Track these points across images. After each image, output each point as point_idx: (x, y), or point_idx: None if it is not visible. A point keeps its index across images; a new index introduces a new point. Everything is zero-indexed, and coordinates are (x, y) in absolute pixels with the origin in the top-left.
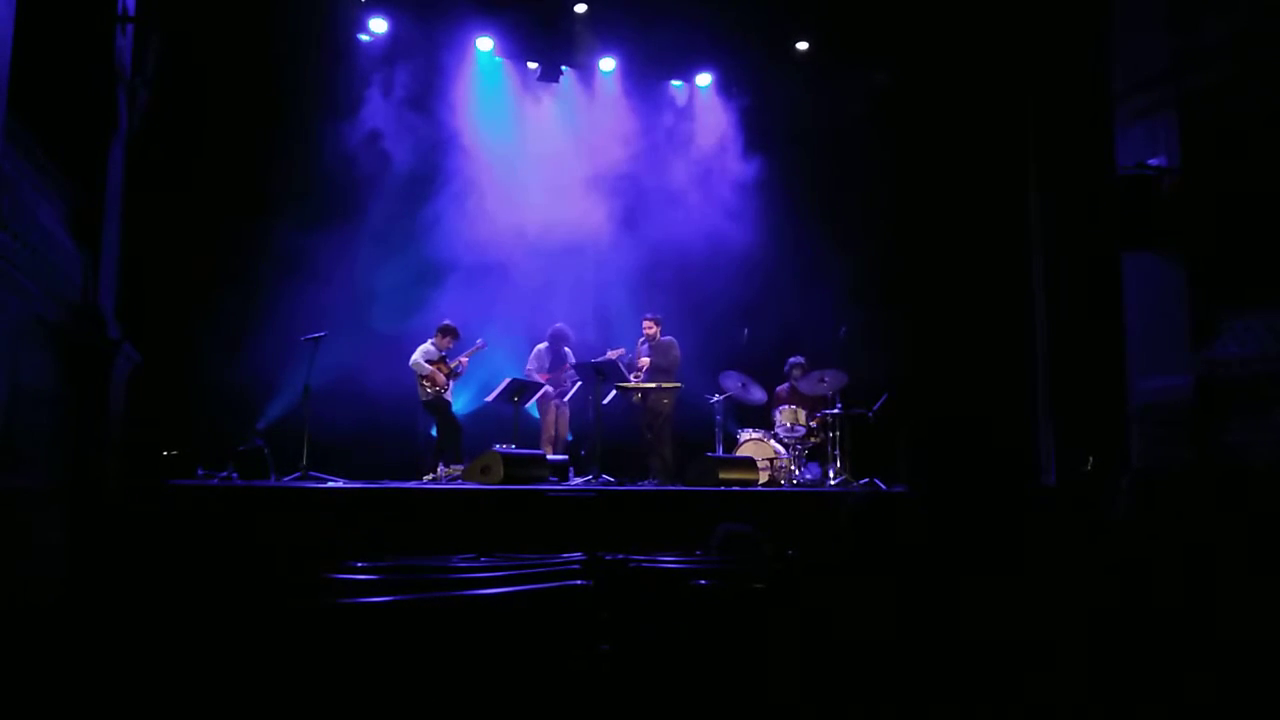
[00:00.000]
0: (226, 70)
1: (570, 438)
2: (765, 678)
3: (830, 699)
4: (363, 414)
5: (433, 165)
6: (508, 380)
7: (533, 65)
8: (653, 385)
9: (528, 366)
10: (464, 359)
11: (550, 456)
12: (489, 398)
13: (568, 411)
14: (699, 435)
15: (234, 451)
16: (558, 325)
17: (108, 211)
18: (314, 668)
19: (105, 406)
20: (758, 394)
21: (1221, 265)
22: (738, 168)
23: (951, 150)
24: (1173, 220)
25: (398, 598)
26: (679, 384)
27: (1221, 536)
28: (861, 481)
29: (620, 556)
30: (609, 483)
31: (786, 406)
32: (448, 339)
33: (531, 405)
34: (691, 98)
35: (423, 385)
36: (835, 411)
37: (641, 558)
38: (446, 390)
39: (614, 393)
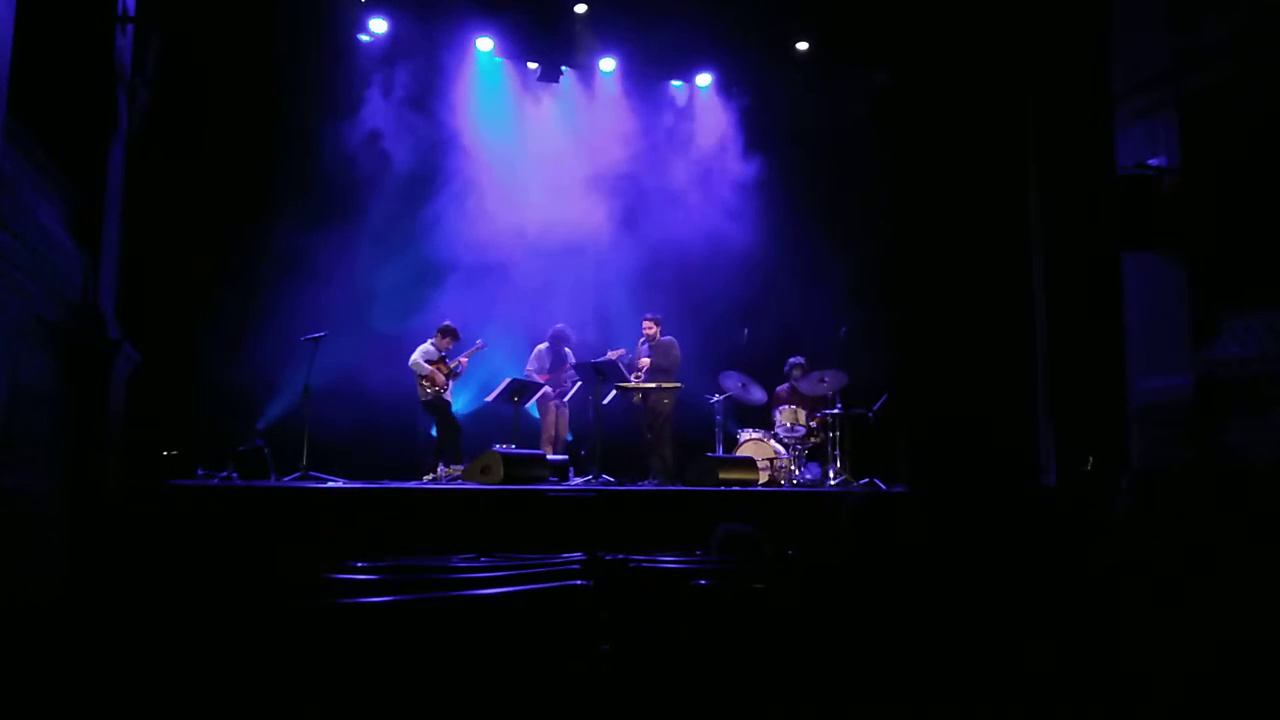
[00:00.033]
0: (226, 70)
1: (570, 438)
2: (765, 678)
3: (830, 699)
4: (363, 414)
5: (433, 165)
6: (508, 380)
7: (533, 65)
8: (653, 385)
9: (528, 367)
10: (463, 359)
11: (550, 456)
12: (489, 398)
13: (567, 411)
14: (699, 435)
15: (234, 451)
16: (559, 326)
17: (108, 211)
18: (314, 668)
19: (105, 406)
20: (758, 394)
21: (1221, 265)
22: (738, 168)
23: (951, 150)
24: (1173, 220)
25: (398, 598)
26: (679, 384)
27: (1222, 536)
28: (861, 481)
29: (620, 556)
30: (609, 483)
31: (786, 406)
32: (447, 339)
33: (531, 405)
34: (691, 98)
35: (422, 385)
36: (835, 411)
37: (641, 558)
38: (446, 390)
39: (614, 393)
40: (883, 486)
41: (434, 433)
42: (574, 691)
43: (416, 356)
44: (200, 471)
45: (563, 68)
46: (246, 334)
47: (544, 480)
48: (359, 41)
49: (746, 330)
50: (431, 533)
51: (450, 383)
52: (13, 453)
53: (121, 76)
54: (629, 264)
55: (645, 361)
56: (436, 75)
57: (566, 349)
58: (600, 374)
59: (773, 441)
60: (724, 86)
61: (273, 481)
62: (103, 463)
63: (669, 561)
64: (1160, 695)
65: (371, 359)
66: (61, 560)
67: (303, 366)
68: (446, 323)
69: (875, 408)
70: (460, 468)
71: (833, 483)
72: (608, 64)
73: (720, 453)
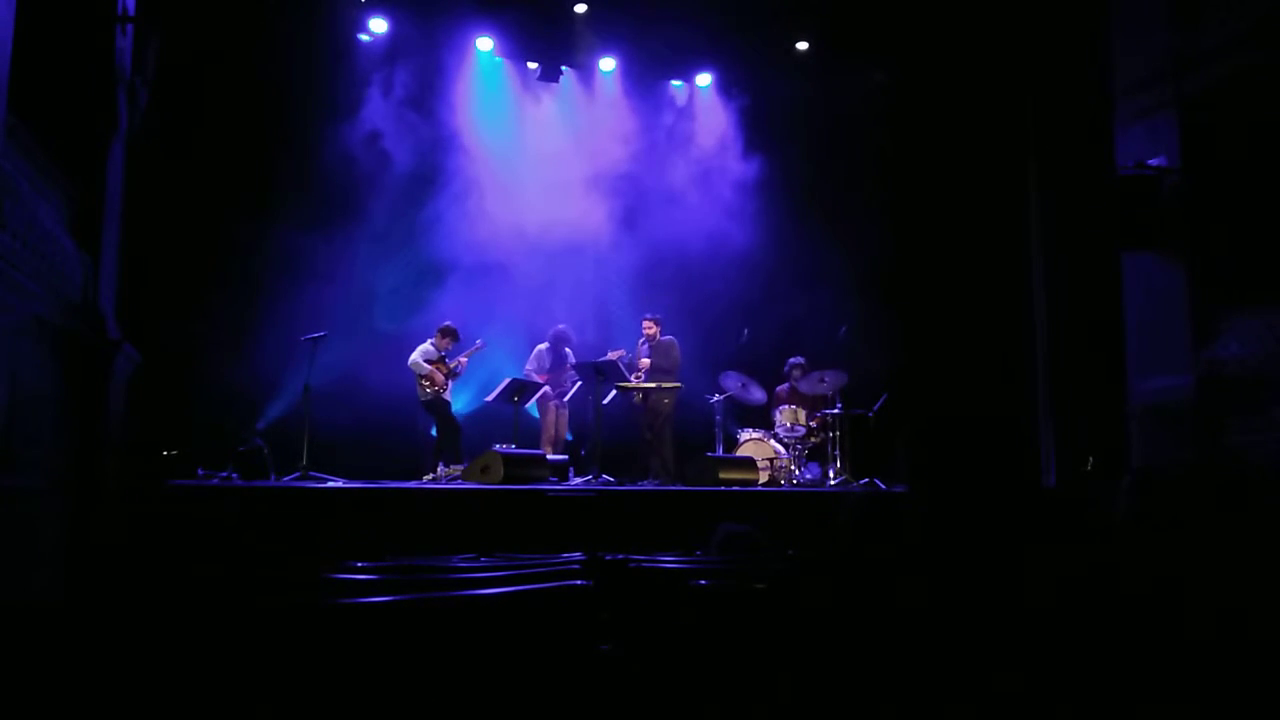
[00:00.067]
0: (226, 70)
1: (570, 438)
2: (766, 678)
3: (830, 699)
4: (363, 414)
5: (433, 165)
6: (507, 380)
7: (533, 65)
8: (653, 385)
9: (527, 366)
10: (463, 359)
11: (550, 456)
12: (489, 398)
13: (567, 412)
14: (699, 435)
15: (234, 451)
16: (560, 327)
17: (108, 211)
18: (314, 668)
19: (105, 406)
20: (758, 394)
21: (1221, 265)
22: (738, 167)
23: (952, 150)
24: (1173, 220)
25: (398, 598)
26: (679, 384)
27: (1222, 536)
28: (861, 481)
29: (620, 556)
30: (609, 483)
31: (786, 406)
32: (447, 339)
33: (531, 405)
34: (691, 98)
35: (422, 385)
36: (835, 411)
37: (641, 558)
38: (445, 390)
39: (614, 393)
40: (883, 486)
41: (434, 433)
42: (574, 691)
43: (416, 356)
44: (200, 471)
45: (563, 68)
46: (246, 334)
47: (544, 480)
48: (359, 41)
49: (746, 330)
50: (431, 533)
51: (450, 383)
52: (13, 453)
53: (121, 76)
54: (629, 264)
55: (645, 362)
56: (436, 75)
57: (567, 349)
58: (600, 374)
59: (773, 441)
60: (724, 86)
61: (273, 481)
62: (103, 463)
63: (669, 561)
64: (1160, 695)
65: (371, 359)
66: (61, 560)
67: (303, 366)
68: (447, 323)
69: (875, 408)
70: (460, 468)
71: (833, 483)
72: (608, 64)
73: (720, 453)
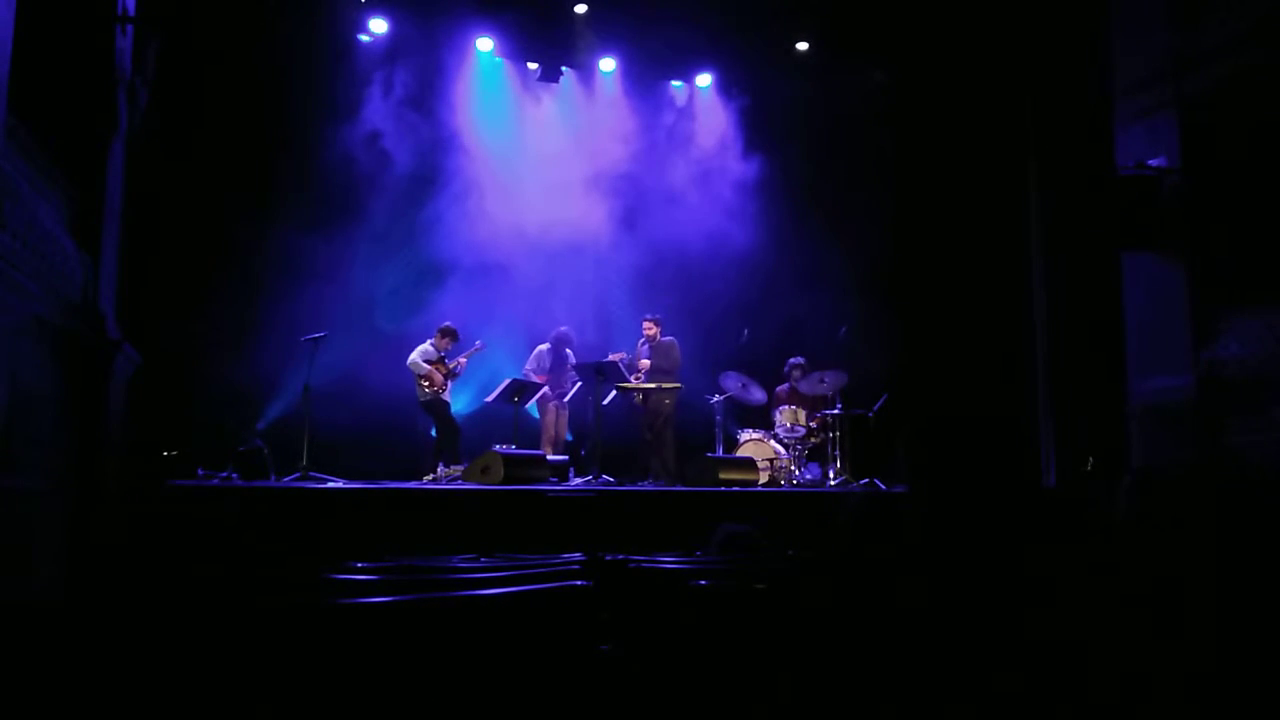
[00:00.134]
0: (226, 70)
1: (570, 438)
2: (766, 678)
3: (830, 699)
4: (363, 414)
5: (433, 165)
6: (508, 381)
7: (533, 65)
8: (653, 385)
9: (526, 367)
10: (462, 360)
11: (550, 457)
12: (489, 398)
13: (567, 412)
14: (699, 435)
15: (234, 451)
16: (562, 328)
17: (108, 211)
18: (314, 668)
19: (105, 406)
20: (758, 394)
21: (1221, 265)
22: (738, 167)
23: (951, 150)
24: (1173, 220)
25: (398, 598)
26: (679, 384)
27: (1222, 536)
28: (861, 481)
29: (620, 557)
30: (609, 483)
31: (786, 407)
32: (447, 340)
33: (531, 406)
34: (691, 98)
35: (421, 385)
36: (835, 412)
37: (641, 558)
38: (444, 391)
39: (614, 393)
40: (883, 486)
41: (434, 433)
42: (574, 692)
43: (415, 356)
44: (200, 471)
45: (563, 68)
46: (246, 334)
47: (544, 480)
48: (359, 41)
49: (746, 330)
50: (431, 533)
51: (449, 383)
52: (13, 453)
53: (121, 77)
54: (629, 264)
55: (645, 363)
56: (436, 75)
57: (568, 350)
58: (600, 374)
59: (773, 442)
60: (724, 86)
61: (273, 481)
62: (103, 463)
63: (669, 562)
64: (1160, 695)
65: (371, 359)
66: (61, 560)
67: (303, 367)
68: (446, 323)
69: (875, 408)
70: (460, 468)
71: (833, 483)
72: (608, 64)
73: (720, 453)
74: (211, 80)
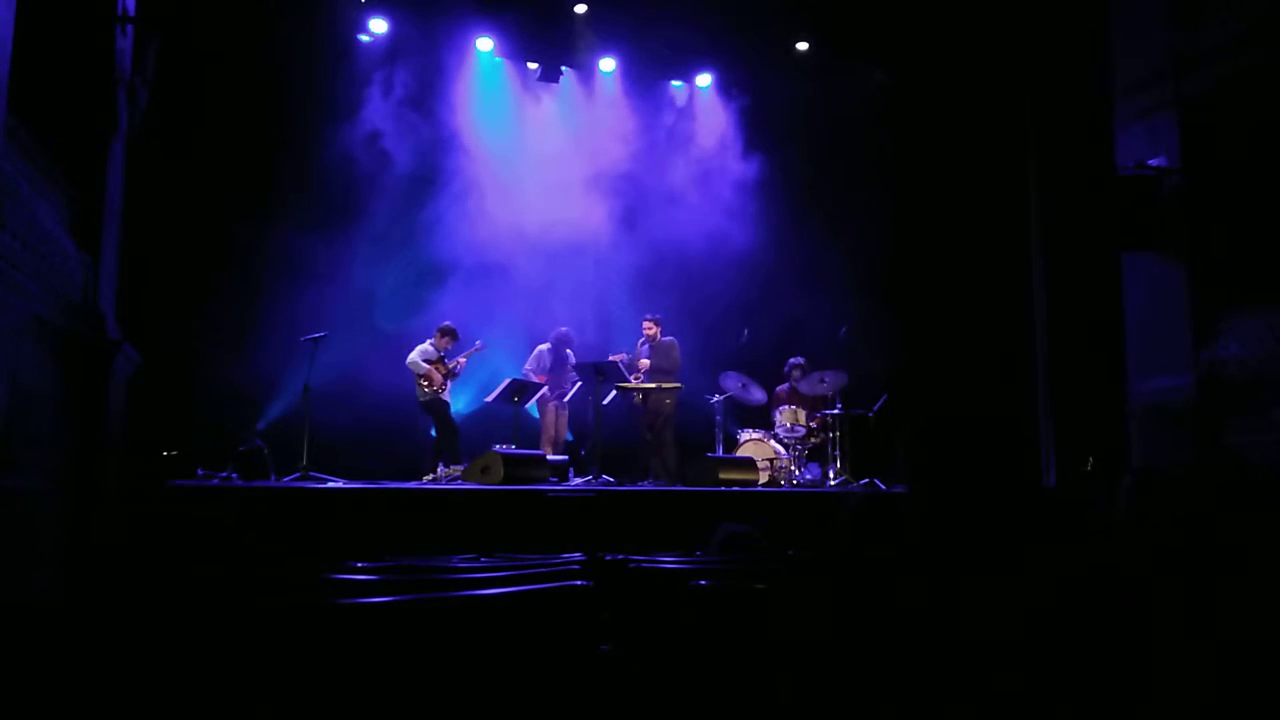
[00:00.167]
0: (226, 70)
1: (570, 438)
2: (765, 678)
3: (830, 699)
4: (363, 414)
5: (433, 165)
6: (507, 380)
7: (533, 65)
8: (653, 385)
9: (526, 366)
10: (462, 359)
11: (550, 457)
12: (489, 398)
13: (567, 412)
14: (699, 435)
15: (234, 451)
16: (563, 329)
17: (108, 212)
18: (314, 668)
19: (105, 406)
20: (758, 394)
21: (1221, 265)
22: (738, 167)
23: (951, 150)
24: (1173, 220)
25: (398, 598)
26: (679, 384)
27: (1222, 536)
28: (861, 481)
29: (620, 557)
30: (609, 483)
31: (786, 407)
32: (446, 339)
33: (531, 406)
34: (691, 98)
35: (420, 385)
36: (835, 412)
37: (641, 558)
38: (444, 391)
39: (614, 393)
40: (883, 486)
41: (434, 433)
42: (574, 692)
43: (414, 356)
44: (200, 471)
45: (563, 68)
46: (247, 334)
47: (544, 480)
48: (359, 41)
49: (746, 330)
50: (431, 533)
51: (448, 383)
52: (13, 453)
53: (121, 77)
54: (629, 264)
55: (645, 363)
56: (436, 75)
57: (568, 350)
58: (600, 374)
59: (773, 442)
60: (724, 86)
61: (273, 481)
62: (103, 463)
63: (669, 562)
64: (1161, 695)
65: (371, 359)
66: (61, 560)
67: (303, 367)
68: (446, 323)
69: (875, 408)
70: (460, 468)
71: (833, 483)
72: (608, 64)
73: (720, 453)
74: (211, 80)
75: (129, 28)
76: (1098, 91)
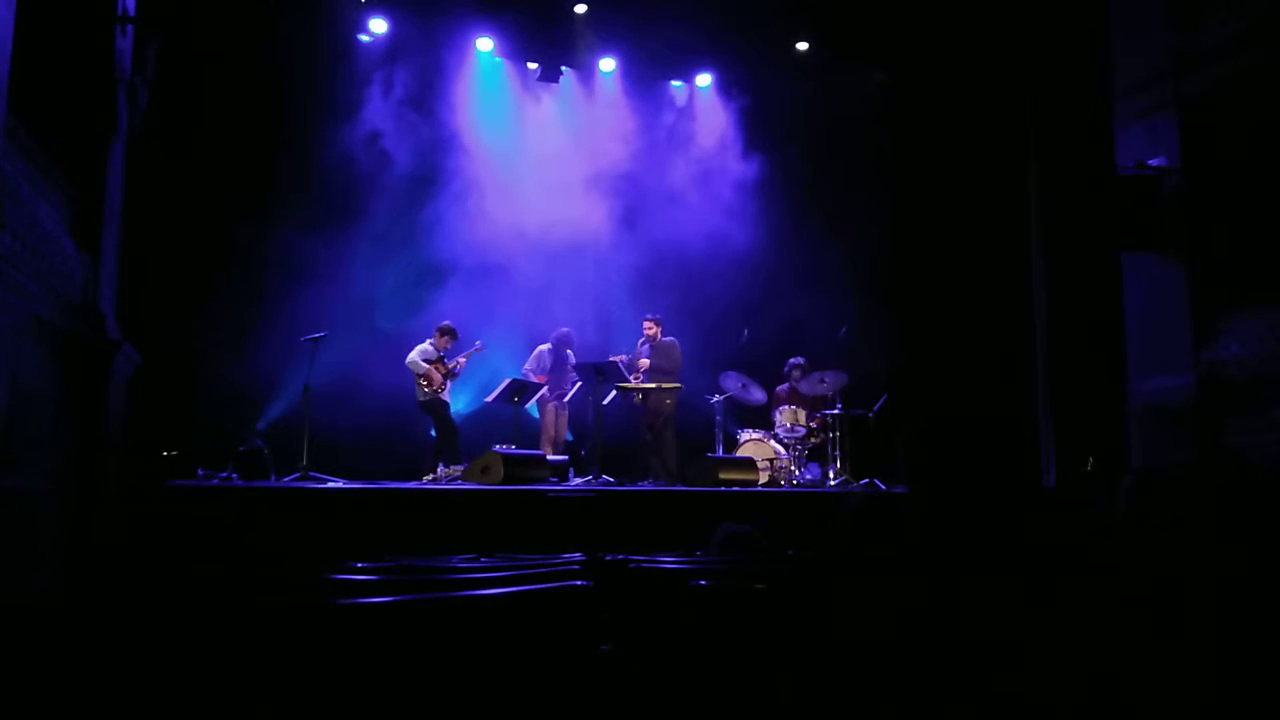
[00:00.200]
0: (226, 70)
1: (570, 438)
2: (766, 678)
3: (831, 699)
4: (363, 414)
5: (433, 165)
6: (508, 380)
7: (533, 65)
8: (653, 385)
9: (526, 366)
10: (461, 359)
11: (550, 457)
12: (489, 398)
13: (567, 412)
14: (699, 435)
15: (234, 451)
16: (564, 329)
17: (108, 212)
18: (314, 668)
19: (105, 406)
20: (758, 394)
21: (1221, 265)
22: (738, 167)
23: (951, 150)
24: (1173, 220)
25: (398, 598)
26: (679, 384)
27: (1222, 536)
28: (861, 481)
29: (620, 557)
30: (609, 483)
31: (786, 407)
32: (446, 339)
33: (531, 406)
34: (691, 98)
35: (420, 385)
36: (835, 412)
37: (641, 558)
38: (443, 390)
39: (614, 393)
40: (883, 486)
41: (433, 433)
42: (574, 692)
43: (414, 355)
44: (200, 471)
45: (563, 68)
46: (247, 334)
47: (544, 481)
48: (359, 41)
49: (746, 330)
50: (431, 533)
51: (448, 383)
52: (13, 453)
53: (121, 77)
54: (629, 264)
55: (645, 362)
56: (436, 75)
57: (569, 351)
58: (600, 374)
59: (773, 442)
60: (724, 86)
61: (273, 481)
62: (103, 463)
63: (669, 562)
64: (1160, 695)
65: (372, 359)
66: (61, 560)
67: (303, 367)
68: (446, 323)
69: (875, 408)
70: (460, 468)
71: (833, 483)
72: (608, 64)
73: (720, 453)
74: (211, 80)
75: (129, 28)
76: (1098, 91)
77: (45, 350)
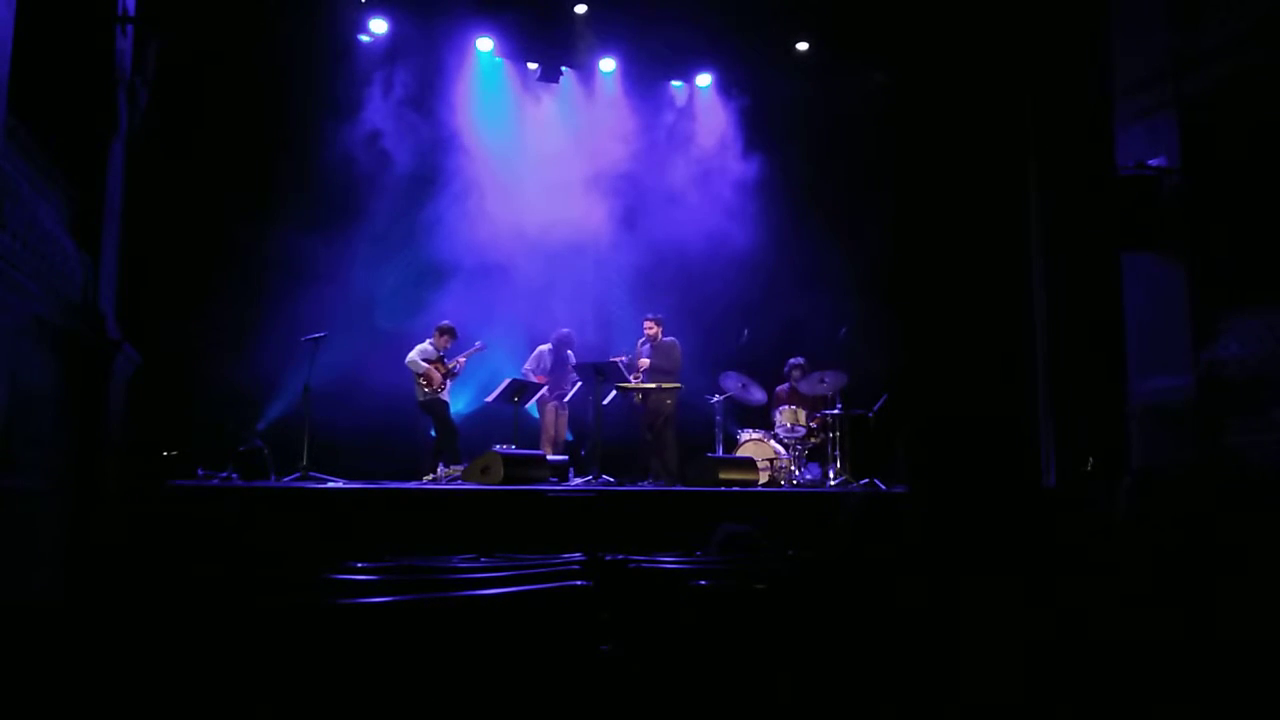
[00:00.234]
0: (226, 70)
1: (570, 438)
2: (766, 678)
3: (831, 699)
4: (363, 414)
5: (433, 166)
6: (507, 380)
7: (533, 65)
8: (653, 385)
9: (526, 366)
10: (461, 359)
11: (550, 457)
12: (489, 398)
13: (567, 412)
14: (699, 435)
15: (234, 451)
16: (564, 330)
17: (108, 212)
18: (314, 668)
19: (105, 406)
20: (758, 394)
21: (1221, 265)
22: (738, 167)
23: (952, 150)
24: (1173, 220)
25: (398, 598)
26: (679, 384)
27: (1222, 536)
28: (861, 481)
29: (620, 557)
30: (609, 483)
31: (786, 407)
32: (445, 338)
33: (531, 406)
34: (691, 98)
35: (419, 385)
36: (835, 412)
37: (641, 558)
38: (443, 390)
39: (614, 393)
40: (883, 486)
41: (433, 434)
42: (574, 692)
43: (414, 355)
44: (200, 471)
45: (563, 68)
46: (247, 334)
47: (544, 481)
48: (359, 41)
49: (746, 330)
50: (431, 533)
51: (448, 383)
52: (13, 453)
53: (121, 77)
54: (629, 264)
55: (645, 362)
56: (436, 75)
57: (569, 351)
58: (600, 374)
59: (773, 442)
60: (724, 86)
61: (273, 481)
62: (103, 463)
63: (669, 562)
64: (1161, 696)
65: (372, 359)
66: (61, 560)
67: (303, 367)
68: (445, 322)
69: (875, 408)
70: (460, 468)
71: (833, 483)
72: (608, 64)
73: (720, 453)
74: (211, 80)
75: (129, 28)
76: (1098, 91)
77: (45, 350)
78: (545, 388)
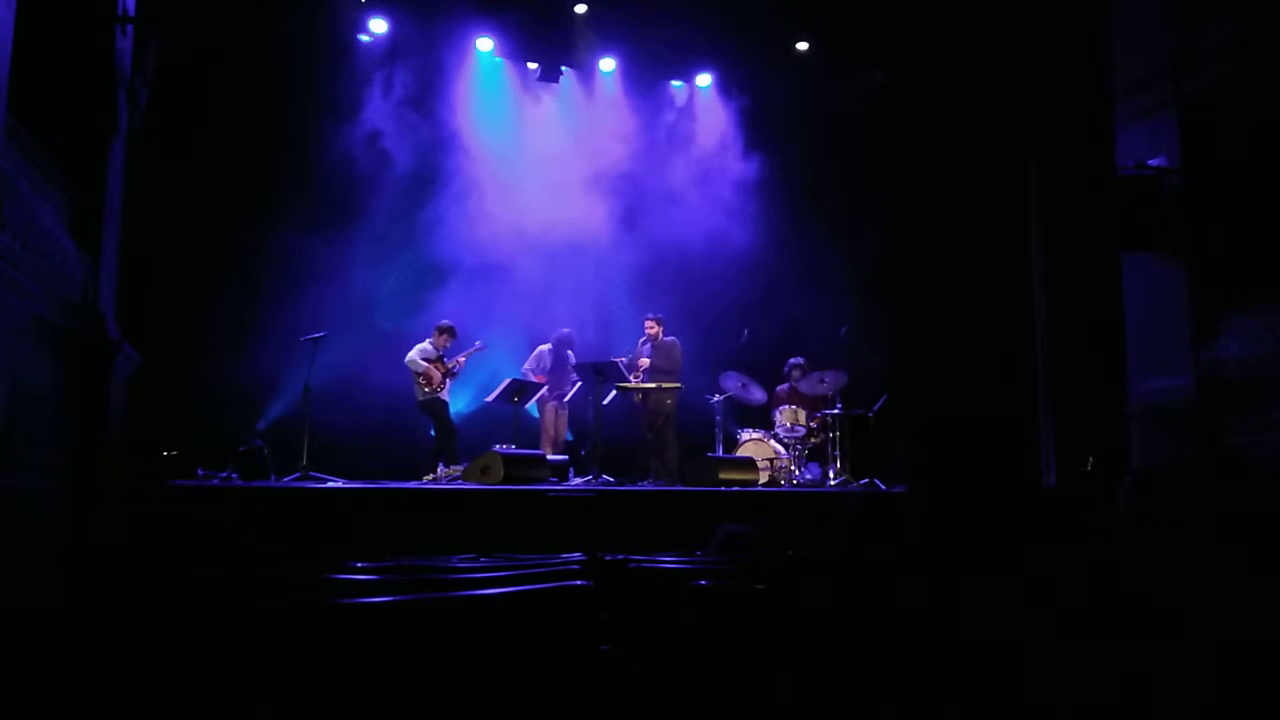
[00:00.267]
0: (226, 70)
1: (570, 438)
2: (766, 678)
3: (831, 699)
4: (363, 414)
5: (433, 165)
6: (507, 380)
7: (533, 65)
8: (653, 385)
9: (526, 366)
10: (461, 359)
11: (550, 457)
12: (489, 398)
13: (567, 412)
14: (699, 435)
15: (234, 451)
16: (565, 330)
17: (108, 212)
18: (314, 668)
19: (105, 406)
20: (758, 394)
21: (1221, 265)
22: (738, 167)
23: (952, 150)
24: (1173, 220)
25: (397, 598)
26: (679, 384)
27: (1222, 536)
28: (861, 481)
29: (620, 557)
30: (609, 483)
31: (786, 407)
32: (445, 338)
33: (531, 406)
34: (691, 98)
35: (419, 384)
36: (835, 412)
37: (641, 558)
38: (443, 390)
39: (614, 393)
40: (883, 486)
41: (433, 433)
42: (574, 692)
43: (413, 354)
44: (200, 471)
45: (563, 68)
46: (247, 334)
47: (544, 480)
48: (359, 41)
49: (746, 330)
50: (431, 533)
51: (447, 383)
52: (13, 453)
53: (121, 77)
54: (629, 264)
55: (645, 361)
56: (436, 75)
57: (569, 352)
58: (600, 374)
59: (773, 442)
60: (724, 86)
61: (273, 481)
62: (103, 463)
63: (669, 562)
64: (1160, 695)
65: (371, 359)
66: (61, 560)
67: (303, 366)
68: (445, 321)
69: (875, 408)
70: (460, 468)
71: (833, 483)
72: (608, 64)
73: (720, 453)
74: (211, 80)
75: (129, 28)
76: (1098, 91)
77: (45, 350)
78: (545, 388)
